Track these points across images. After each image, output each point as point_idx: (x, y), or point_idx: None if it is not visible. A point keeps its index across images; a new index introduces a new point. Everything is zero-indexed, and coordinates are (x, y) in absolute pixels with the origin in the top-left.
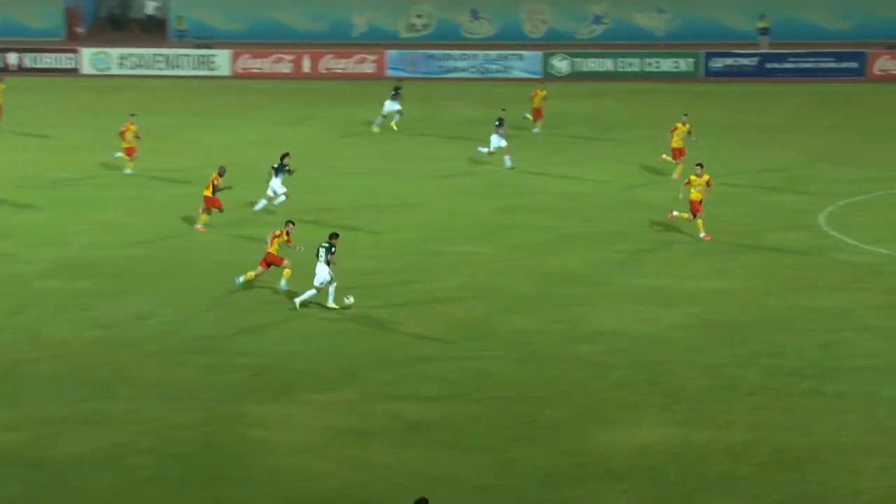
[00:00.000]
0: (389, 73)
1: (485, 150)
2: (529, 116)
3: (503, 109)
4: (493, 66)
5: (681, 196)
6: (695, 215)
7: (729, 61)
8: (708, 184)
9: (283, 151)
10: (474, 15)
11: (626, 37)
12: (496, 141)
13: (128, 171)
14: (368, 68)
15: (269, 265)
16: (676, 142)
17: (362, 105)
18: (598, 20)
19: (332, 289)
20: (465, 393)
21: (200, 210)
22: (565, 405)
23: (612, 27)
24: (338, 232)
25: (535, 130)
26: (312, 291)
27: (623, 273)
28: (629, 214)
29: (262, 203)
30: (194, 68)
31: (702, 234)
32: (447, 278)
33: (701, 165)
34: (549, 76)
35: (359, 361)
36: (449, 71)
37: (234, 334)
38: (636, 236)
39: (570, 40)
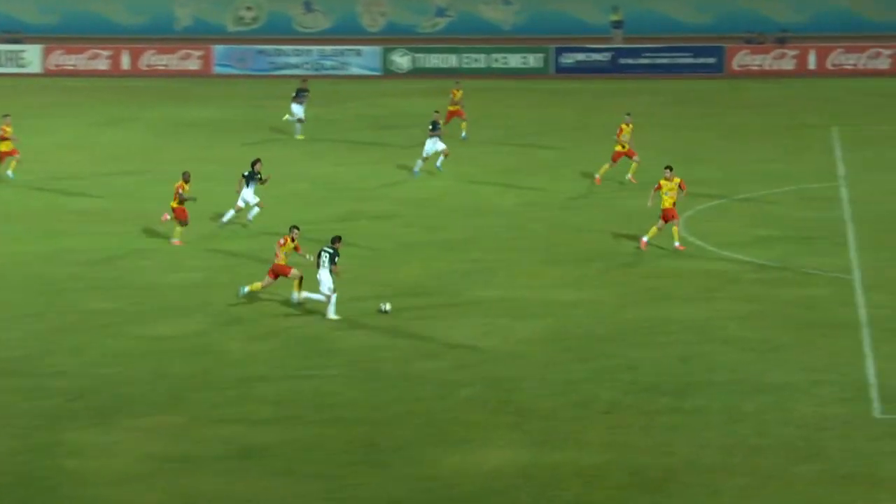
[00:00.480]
0: (217, 69)
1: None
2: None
3: (436, 112)
4: (329, 63)
5: (649, 203)
6: (667, 222)
7: (580, 57)
8: (681, 186)
9: (255, 158)
10: (308, 7)
11: (471, 30)
12: (431, 145)
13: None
14: (193, 65)
15: (276, 276)
16: (622, 144)
17: (186, 104)
18: (441, 13)
19: (333, 298)
20: (301, 415)
21: (163, 219)
22: (410, 426)
23: (457, 20)
24: (340, 235)
25: (463, 135)
26: (322, 297)
27: (472, 283)
28: (477, 221)
29: (230, 214)
30: (1, 65)
31: (676, 244)
32: (283, 291)
33: (670, 168)
34: (389, 73)
35: (186, 383)
36: (281, 68)
37: (48, 354)
38: (485, 244)
39: (412, 34)
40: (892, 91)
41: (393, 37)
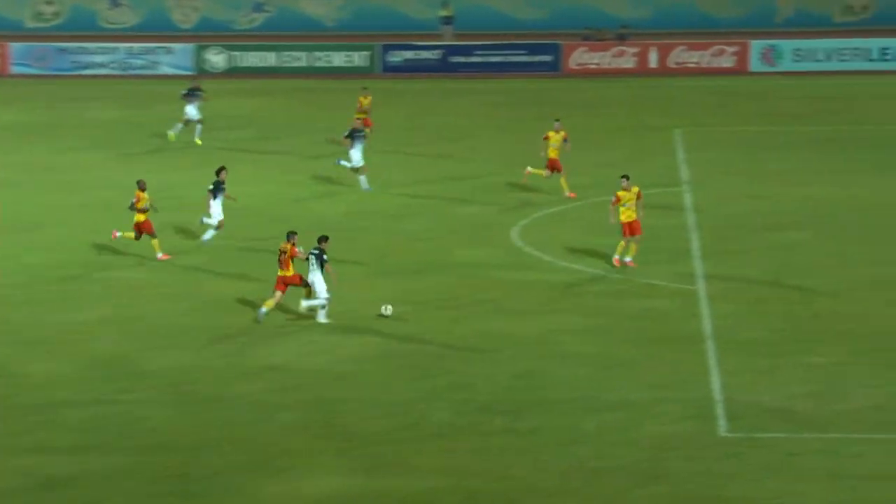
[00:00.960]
0: (14, 69)
1: (347, 164)
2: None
3: (357, 118)
4: (138, 62)
5: (612, 220)
6: (632, 236)
7: (408, 55)
8: (638, 196)
9: (219, 165)
10: (114, 1)
11: (291, 27)
12: (357, 155)
13: None
14: None
15: (286, 286)
16: (552, 152)
17: None
18: (258, 8)
19: (322, 305)
20: (107, 442)
21: (128, 234)
22: (226, 454)
23: (276, 16)
24: (327, 235)
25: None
26: (323, 301)
27: (295, 298)
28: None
29: (210, 234)
30: None
31: (627, 259)
32: (87, 309)
33: (627, 177)
34: (203, 72)
35: None
36: (85, 67)
37: None
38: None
39: (227, 31)
40: (737, 90)
41: (207, 34)
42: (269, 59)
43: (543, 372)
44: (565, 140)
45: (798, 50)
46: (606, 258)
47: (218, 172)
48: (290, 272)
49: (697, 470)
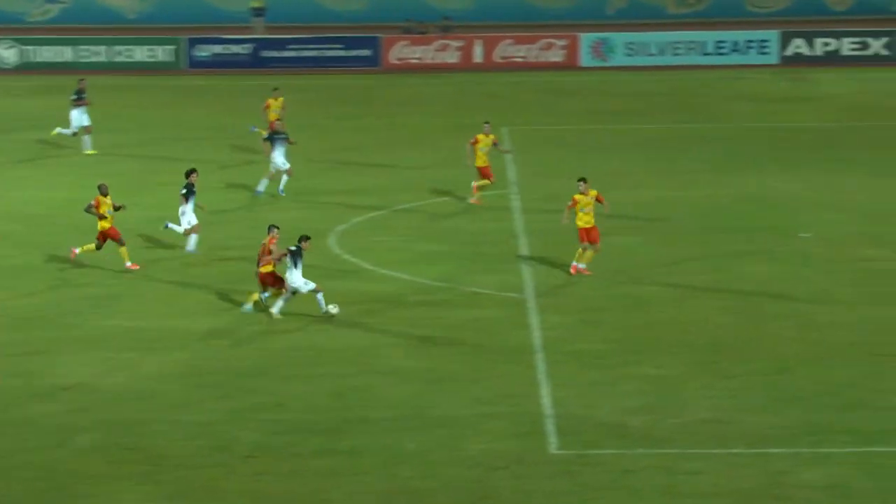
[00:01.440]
0: None
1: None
2: (259, 130)
3: (278, 120)
4: None
5: (564, 220)
6: (591, 243)
7: (217, 49)
8: (598, 199)
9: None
10: None
11: (89, 19)
12: (280, 159)
13: None
14: None
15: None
16: (481, 159)
17: None
18: None
19: (284, 298)
20: None
21: (89, 247)
22: (20, 481)
23: (72, 7)
24: (309, 235)
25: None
26: (319, 295)
27: (95, 313)
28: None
29: (193, 240)
30: None
31: (582, 265)
32: None
33: (584, 180)
34: None
35: None
36: None
37: None
38: (110, 266)
39: (18, 23)
40: (566, 86)
41: None
42: (66, 53)
43: (363, 388)
44: (495, 144)
45: (630, 43)
46: (429, 266)
47: (188, 174)
48: (268, 269)
49: (527, 489)
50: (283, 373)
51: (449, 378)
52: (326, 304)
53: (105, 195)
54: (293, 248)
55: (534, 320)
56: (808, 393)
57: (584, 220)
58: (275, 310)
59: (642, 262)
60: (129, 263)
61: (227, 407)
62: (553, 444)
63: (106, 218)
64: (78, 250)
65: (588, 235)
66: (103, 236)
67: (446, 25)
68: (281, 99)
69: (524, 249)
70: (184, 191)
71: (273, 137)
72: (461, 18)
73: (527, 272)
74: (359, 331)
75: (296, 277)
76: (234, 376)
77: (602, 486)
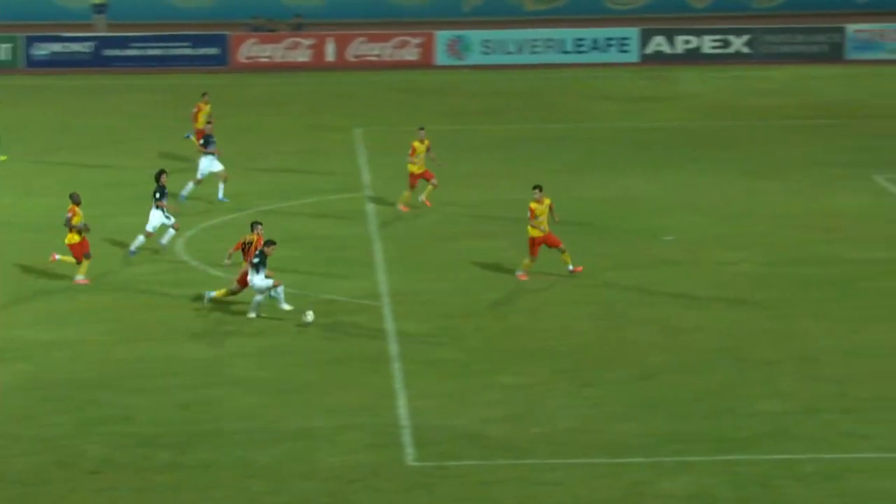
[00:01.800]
0: None
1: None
2: (193, 138)
3: (209, 123)
4: None
5: (541, 228)
6: (556, 248)
7: (56, 47)
8: (551, 208)
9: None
10: None
11: None
12: (206, 164)
13: None
14: None
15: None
16: (417, 166)
17: None
18: None
19: (257, 301)
20: None
21: (52, 259)
22: None
23: None
24: (274, 240)
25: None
26: (280, 289)
27: None
28: None
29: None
30: None
31: (570, 267)
32: None
33: (539, 188)
34: None
35: None
36: None
37: None
38: None
39: None
40: (422, 85)
41: None
42: None
43: (213, 400)
44: (428, 150)
45: (487, 41)
46: (283, 271)
47: (158, 177)
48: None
49: (383, 502)
50: (130, 385)
51: (302, 389)
52: (305, 314)
53: (78, 204)
54: (257, 256)
55: (390, 328)
56: (672, 400)
57: (537, 231)
58: (252, 314)
59: (503, 267)
60: (79, 277)
61: (71, 420)
62: (410, 456)
63: (82, 231)
64: (58, 257)
65: (548, 242)
66: (75, 249)
67: (297, 23)
68: (209, 105)
69: (379, 255)
70: (157, 194)
71: (208, 141)
72: (313, 16)
73: (382, 278)
74: (209, 340)
75: (258, 280)
76: (78, 389)
77: (460, 498)
